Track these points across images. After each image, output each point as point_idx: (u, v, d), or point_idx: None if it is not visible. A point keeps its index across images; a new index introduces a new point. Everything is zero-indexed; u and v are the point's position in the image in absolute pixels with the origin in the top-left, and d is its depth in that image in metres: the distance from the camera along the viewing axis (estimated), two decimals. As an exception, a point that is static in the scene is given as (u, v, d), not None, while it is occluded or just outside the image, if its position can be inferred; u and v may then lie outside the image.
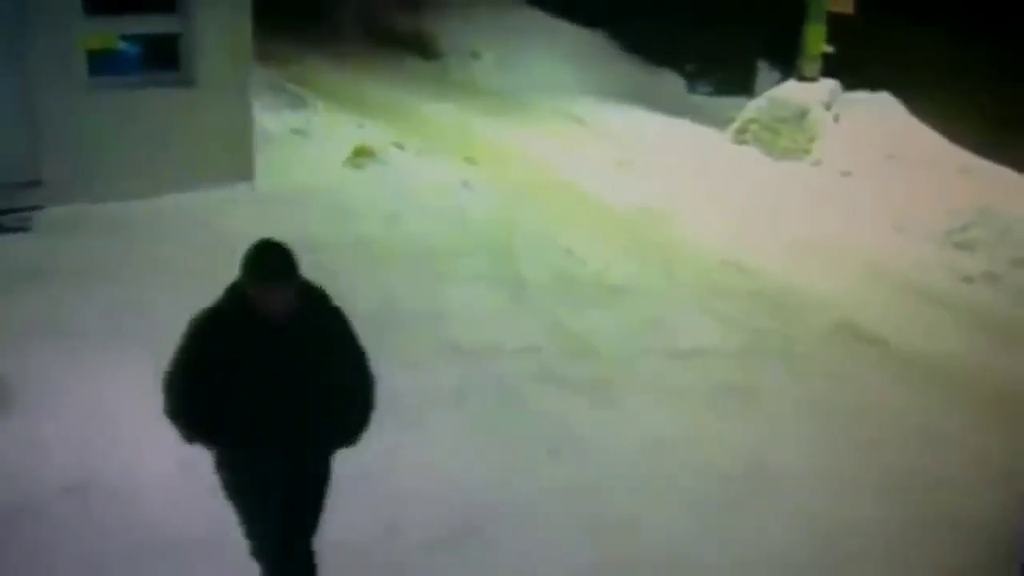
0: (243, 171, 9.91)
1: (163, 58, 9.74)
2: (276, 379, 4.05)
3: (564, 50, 16.00)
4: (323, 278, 8.42)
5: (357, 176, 10.76)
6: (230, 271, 8.54)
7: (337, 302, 4.36)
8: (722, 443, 6.34)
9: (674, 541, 5.41)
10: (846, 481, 6.06)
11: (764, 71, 14.37)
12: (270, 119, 11.66)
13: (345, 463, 5.77)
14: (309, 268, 8.86)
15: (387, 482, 5.73)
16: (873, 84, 12.32)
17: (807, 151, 12.16)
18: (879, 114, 12.12)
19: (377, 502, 5.55)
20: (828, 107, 12.40)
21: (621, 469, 6.01)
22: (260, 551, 4.40)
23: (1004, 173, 10.81)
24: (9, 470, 5.64)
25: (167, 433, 5.97)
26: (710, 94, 15.12)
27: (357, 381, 4.31)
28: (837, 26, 12.42)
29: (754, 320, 8.11)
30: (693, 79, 15.48)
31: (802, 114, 12.34)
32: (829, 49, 12.53)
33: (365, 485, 5.66)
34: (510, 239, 9.29)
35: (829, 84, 12.54)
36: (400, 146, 11.75)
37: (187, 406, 4.13)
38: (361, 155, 11.09)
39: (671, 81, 15.46)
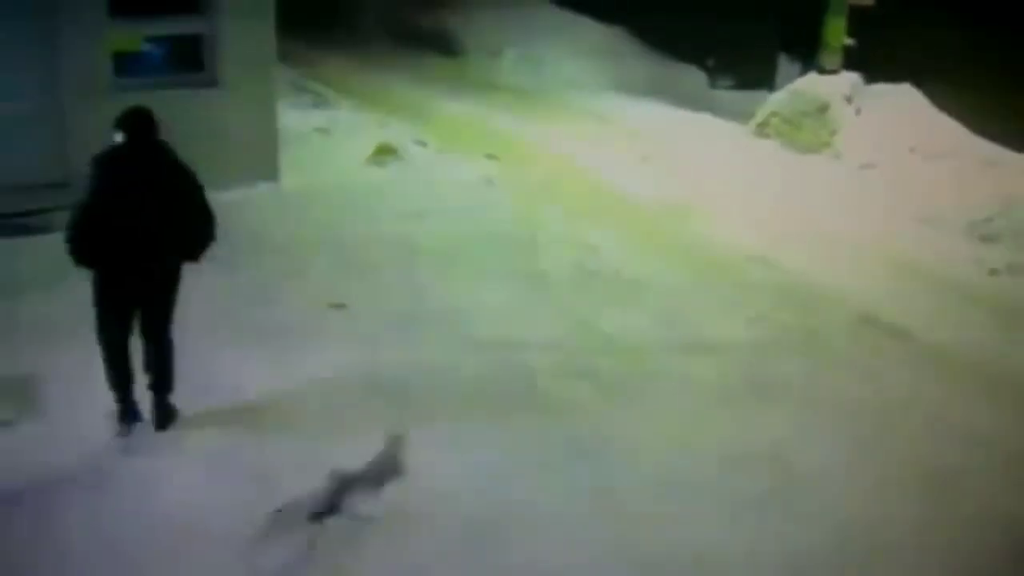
0: (268, 170, 10.00)
1: (187, 59, 9.84)
2: (141, 209, 5.62)
3: (585, 47, 16.02)
4: (348, 273, 8.55)
5: (380, 174, 10.83)
6: (256, 268, 8.67)
7: (187, 164, 5.89)
8: (747, 439, 6.33)
9: (697, 538, 5.40)
10: (872, 478, 6.03)
11: (785, 65, 14.32)
12: (294, 118, 11.75)
13: (366, 459, 5.86)
14: (334, 264, 8.97)
15: (406, 478, 5.74)
16: (894, 76, 12.27)
17: (828, 144, 12.14)
18: (901, 106, 12.07)
19: (395, 497, 5.57)
20: (849, 100, 12.36)
21: (644, 466, 6.01)
22: (101, 342, 5.94)
23: (1028, 164, 10.77)
24: (36, 467, 5.71)
25: (196, 428, 6.10)
26: (731, 88, 15.10)
27: (201, 214, 5.89)
28: (858, 19, 12.39)
29: (777, 314, 8.10)
30: (714, 73, 15.46)
31: (823, 107, 12.31)
32: (850, 42, 12.50)
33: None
34: (532, 235, 9.33)
35: (850, 77, 12.50)
36: (422, 143, 11.81)
37: (80, 230, 5.59)
38: (383, 153, 11.16)
39: (692, 76, 15.45)
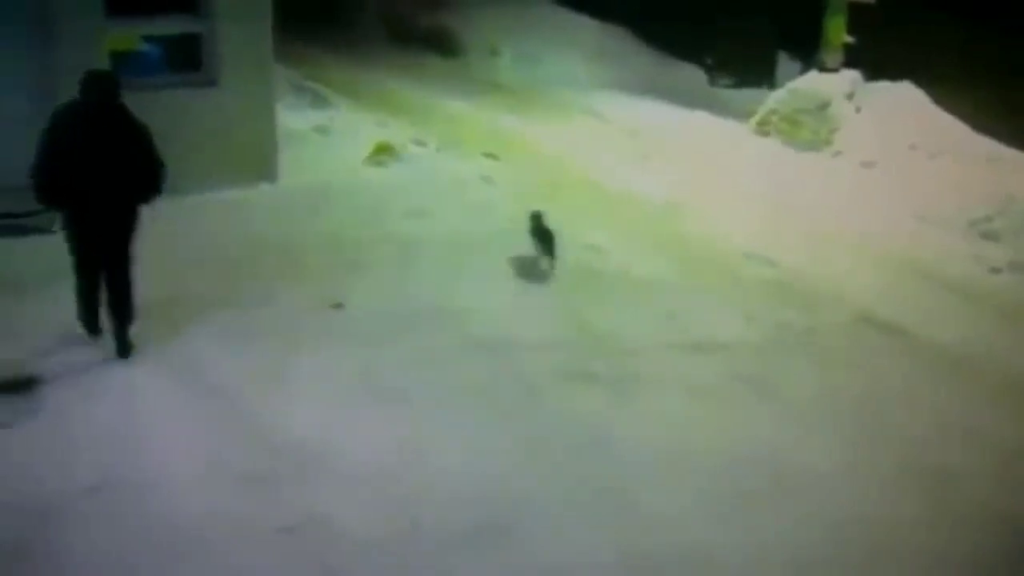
0: (266, 170, 10.00)
1: (185, 59, 9.82)
2: (100, 156, 6.40)
3: (584, 45, 15.98)
4: (347, 272, 8.54)
5: (379, 173, 10.82)
6: (255, 268, 8.66)
7: (137, 117, 6.64)
8: (745, 437, 6.33)
9: (696, 537, 5.40)
10: (869, 476, 6.02)
11: (785, 62, 14.29)
12: (293, 118, 11.72)
13: (367, 460, 5.86)
14: (332, 263, 8.95)
15: (409, 479, 5.76)
16: (895, 74, 12.24)
17: (828, 142, 12.12)
18: (901, 104, 12.04)
19: (399, 499, 5.58)
20: (850, 98, 12.33)
21: (643, 465, 6.00)
22: (76, 282, 6.82)
23: (1028, 162, 10.74)
24: (40, 470, 5.71)
25: (197, 431, 6.10)
26: (731, 86, 15.06)
27: (151, 161, 6.62)
28: (858, 16, 12.36)
29: (777, 313, 8.09)
30: (714, 72, 15.41)
31: (823, 105, 12.29)
32: (850, 39, 12.47)
33: (387, 482, 5.73)
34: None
35: (850, 75, 12.48)
36: (421, 143, 11.79)
37: (45, 174, 6.36)
38: (382, 152, 11.14)
39: (692, 74, 15.40)
